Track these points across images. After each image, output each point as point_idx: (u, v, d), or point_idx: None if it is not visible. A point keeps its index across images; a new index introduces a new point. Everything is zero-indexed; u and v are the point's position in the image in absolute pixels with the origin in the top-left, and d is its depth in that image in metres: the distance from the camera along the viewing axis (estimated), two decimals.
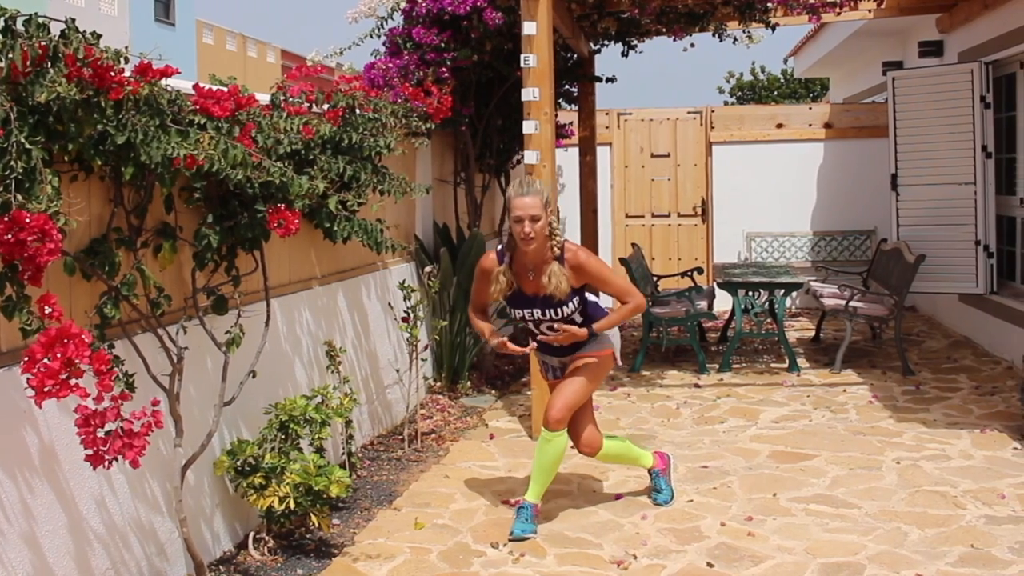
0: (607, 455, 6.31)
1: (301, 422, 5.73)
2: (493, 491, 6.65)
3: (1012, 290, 10.50)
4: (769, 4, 10.30)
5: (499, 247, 5.97)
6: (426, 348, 8.76)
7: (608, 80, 12.14)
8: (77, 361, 3.46)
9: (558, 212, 6.38)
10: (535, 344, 6.03)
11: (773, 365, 10.47)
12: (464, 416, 8.57)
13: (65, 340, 3.44)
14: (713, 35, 11.06)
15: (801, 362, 10.38)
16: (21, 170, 3.64)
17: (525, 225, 5.63)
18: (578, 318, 5.91)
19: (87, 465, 3.84)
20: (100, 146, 4.20)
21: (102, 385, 3.62)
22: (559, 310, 5.82)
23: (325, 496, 5.53)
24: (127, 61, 4.16)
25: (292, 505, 5.37)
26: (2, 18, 3.76)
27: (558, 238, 5.79)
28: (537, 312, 5.87)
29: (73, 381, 3.46)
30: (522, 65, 7.56)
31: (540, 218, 5.66)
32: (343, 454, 6.78)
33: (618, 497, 6.48)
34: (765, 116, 14.75)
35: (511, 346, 5.95)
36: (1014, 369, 9.61)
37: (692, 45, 11.46)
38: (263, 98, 5.79)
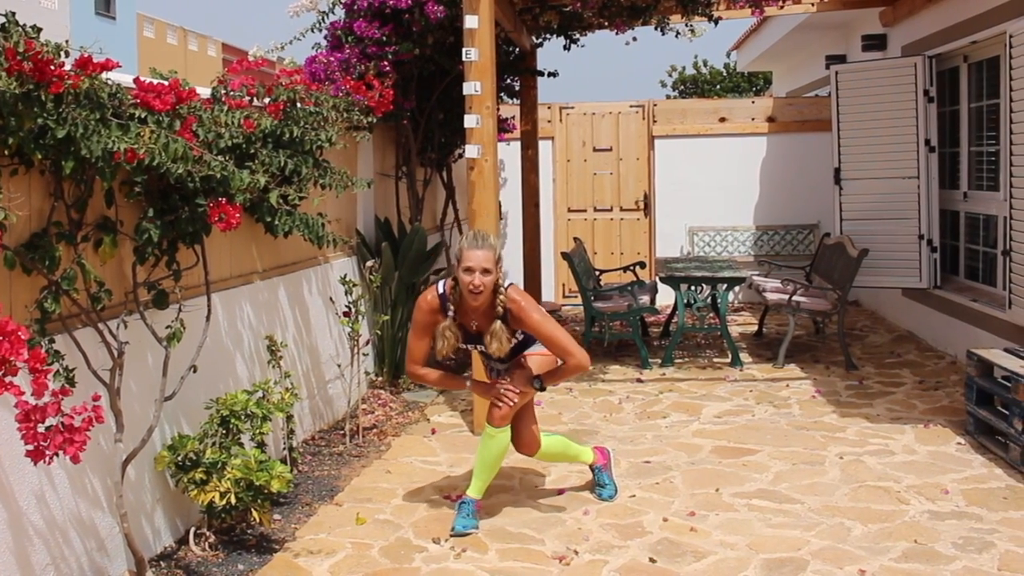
0: (546, 454, 6.34)
1: (242, 417, 5.70)
2: (435, 486, 6.64)
3: (955, 284, 10.62)
4: None
5: (440, 288, 5.91)
6: (367, 343, 8.74)
7: (550, 74, 12.22)
8: (12, 359, 3.41)
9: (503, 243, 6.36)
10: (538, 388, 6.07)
11: (716, 360, 10.53)
12: (406, 411, 8.56)
13: (0, 337, 3.40)
14: (655, 29, 11.06)
15: (744, 357, 10.47)
16: None
17: (476, 277, 5.63)
18: (520, 336, 5.96)
19: (27, 460, 3.81)
20: (40, 140, 4.16)
21: (37, 383, 3.59)
22: None
23: (266, 491, 5.50)
24: (68, 55, 4.13)
25: (233, 500, 5.34)
26: None
27: (502, 296, 5.76)
28: (481, 347, 5.94)
29: (8, 379, 3.42)
30: (464, 59, 7.55)
31: (491, 272, 5.66)
32: (284, 449, 6.75)
33: (560, 492, 6.50)
34: (708, 110, 14.82)
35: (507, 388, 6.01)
36: (958, 364, 9.73)
37: (634, 39, 11.51)
38: (204, 92, 5.75)
